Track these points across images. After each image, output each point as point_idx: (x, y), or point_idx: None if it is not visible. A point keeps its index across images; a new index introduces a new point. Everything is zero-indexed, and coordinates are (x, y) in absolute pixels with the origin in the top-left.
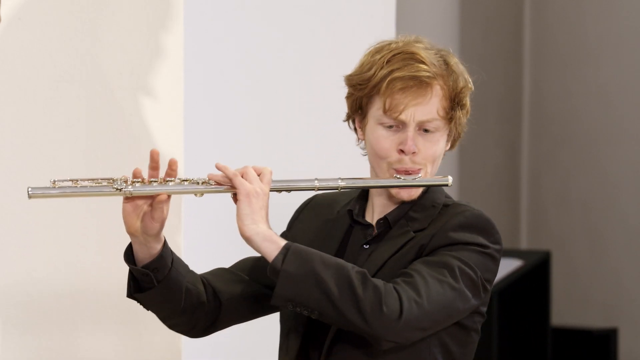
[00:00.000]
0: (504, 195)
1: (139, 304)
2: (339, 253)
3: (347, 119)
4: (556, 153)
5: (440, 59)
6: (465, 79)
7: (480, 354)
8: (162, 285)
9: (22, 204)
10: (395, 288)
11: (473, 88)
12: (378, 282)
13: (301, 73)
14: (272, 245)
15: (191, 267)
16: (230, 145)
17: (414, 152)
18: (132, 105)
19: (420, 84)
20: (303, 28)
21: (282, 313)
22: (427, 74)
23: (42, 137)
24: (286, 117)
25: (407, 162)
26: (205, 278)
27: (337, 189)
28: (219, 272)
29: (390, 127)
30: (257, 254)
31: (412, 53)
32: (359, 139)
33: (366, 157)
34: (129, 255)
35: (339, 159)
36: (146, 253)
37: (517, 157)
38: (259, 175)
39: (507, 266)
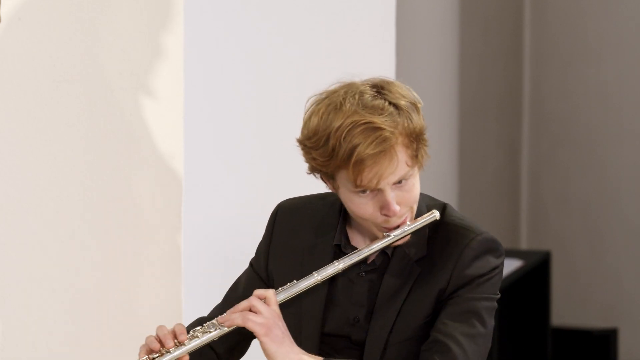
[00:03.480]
0: (504, 195)
1: None
2: (331, 283)
3: (312, 172)
4: (556, 153)
5: (389, 106)
6: (412, 105)
7: None
8: None
9: (22, 204)
10: None
11: (421, 102)
12: None
13: (301, 73)
14: None
15: (191, 267)
16: (230, 145)
17: (398, 209)
18: (132, 105)
19: (386, 154)
20: (303, 28)
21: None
22: (390, 141)
23: (42, 137)
24: (286, 117)
25: (394, 221)
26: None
27: (338, 272)
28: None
29: (364, 191)
30: (236, 283)
31: (367, 122)
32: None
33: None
34: None
35: None
36: None
37: (517, 157)
38: (264, 300)
39: (507, 266)
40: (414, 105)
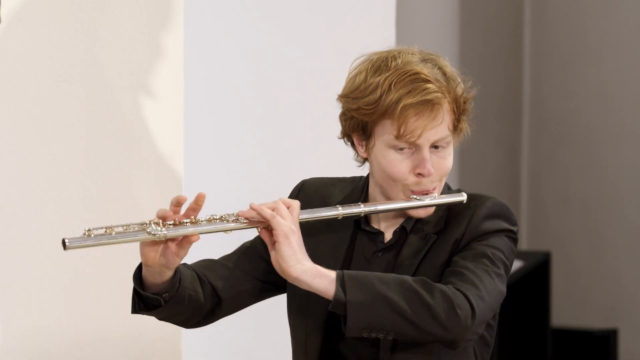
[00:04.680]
0: (504, 195)
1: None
2: (346, 261)
3: (343, 137)
4: (556, 153)
5: (438, 70)
6: (459, 81)
7: None
8: (169, 304)
9: (22, 204)
10: (457, 288)
11: (464, 86)
12: (441, 286)
13: (301, 73)
14: (325, 280)
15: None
16: (230, 145)
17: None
18: (132, 105)
19: (432, 106)
20: (303, 28)
21: (291, 310)
22: (437, 94)
23: (42, 137)
24: (286, 117)
25: (425, 184)
26: (202, 275)
27: (360, 214)
28: (214, 268)
29: (402, 149)
30: (246, 246)
31: (417, 73)
32: (359, 156)
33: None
34: (138, 278)
35: (340, 159)
36: (158, 280)
37: (517, 157)
38: (288, 208)
39: None
40: (459, 81)
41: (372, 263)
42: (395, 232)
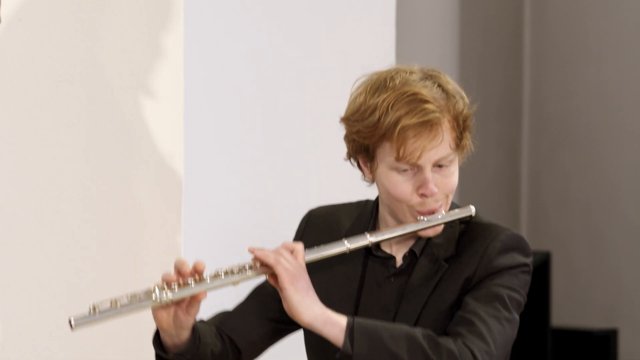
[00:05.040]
0: (504, 195)
1: None
2: (359, 288)
3: (349, 158)
4: (556, 153)
5: (437, 88)
6: (462, 96)
7: None
8: None
9: (22, 204)
10: (465, 344)
11: (467, 100)
12: (448, 343)
13: (301, 73)
14: (335, 328)
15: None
16: (230, 145)
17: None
18: (132, 105)
19: (431, 126)
20: (303, 28)
21: (309, 345)
22: (436, 114)
23: (42, 137)
24: (287, 117)
25: (430, 204)
26: (220, 329)
27: (368, 245)
28: (230, 319)
29: (405, 170)
30: (256, 288)
31: (415, 93)
32: (365, 177)
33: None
34: (158, 343)
35: (340, 159)
36: (177, 341)
37: (517, 157)
38: (292, 253)
39: None
40: (461, 94)
41: (383, 288)
42: (404, 257)
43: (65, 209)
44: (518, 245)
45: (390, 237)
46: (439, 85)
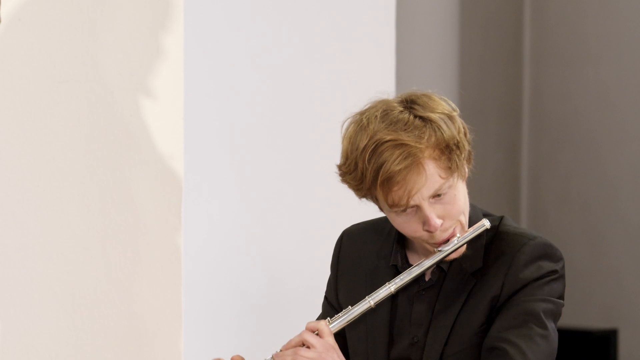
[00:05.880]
0: (504, 195)
1: None
2: (393, 306)
3: (360, 198)
4: (556, 153)
5: (415, 119)
6: (444, 116)
7: None
8: None
9: (22, 204)
10: None
11: (457, 110)
12: None
13: (301, 73)
14: None
15: (191, 268)
16: (230, 145)
17: (441, 223)
18: (132, 105)
19: (409, 171)
20: (303, 28)
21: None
22: (416, 156)
23: (42, 137)
24: (287, 117)
25: (439, 236)
26: None
27: (391, 294)
28: None
29: (404, 210)
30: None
31: (387, 141)
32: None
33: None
34: None
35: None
36: None
37: (517, 157)
38: (317, 333)
39: None
40: (447, 115)
41: (415, 303)
42: (433, 272)
43: (65, 209)
44: (544, 252)
45: (410, 278)
46: (417, 116)
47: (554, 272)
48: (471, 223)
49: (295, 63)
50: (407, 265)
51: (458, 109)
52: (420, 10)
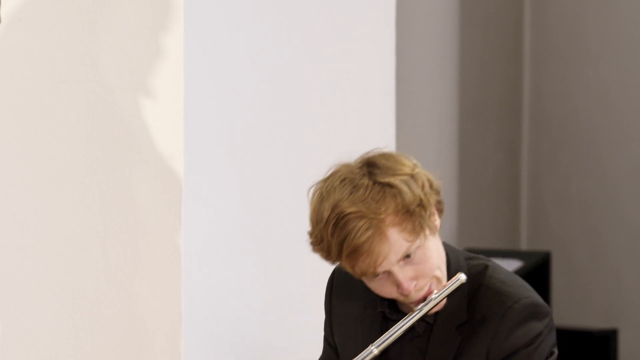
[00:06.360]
0: (504, 195)
1: None
2: (385, 351)
3: None
4: (556, 153)
5: (375, 186)
6: (407, 177)
7: None
8: None
9: (22, 204)
10: None
11: (419, 166)
12: None
13: (301, 73)
14: None
15: (191, 268)
16: (230, 145)
17: (414, 284)
18: (132, 105)
19: (370, 244)
20: (303, 28)
21: None
22: (378, 226)
23: (42, 137)
24: (287, 117)
25: (415, 295)
26: None
27: (375, 355)
28: None
29: (376, 276)
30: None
31: (345, 215)
32: None
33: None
34: None
35: (341, 159)
36: None
37: (517, 157)
38: None
39: (507, 267)
40: (408, 175)
41: (406, 347)
42: (419, 323)
43: (65, 209)
44: (529, 314)
45: (391, 339)
46: (376, 182)
47: (541, 333)
48: (451, 271)
49: (295, 63)
50: (395, 311)
51: (419, 164)
52: (420, 10)
